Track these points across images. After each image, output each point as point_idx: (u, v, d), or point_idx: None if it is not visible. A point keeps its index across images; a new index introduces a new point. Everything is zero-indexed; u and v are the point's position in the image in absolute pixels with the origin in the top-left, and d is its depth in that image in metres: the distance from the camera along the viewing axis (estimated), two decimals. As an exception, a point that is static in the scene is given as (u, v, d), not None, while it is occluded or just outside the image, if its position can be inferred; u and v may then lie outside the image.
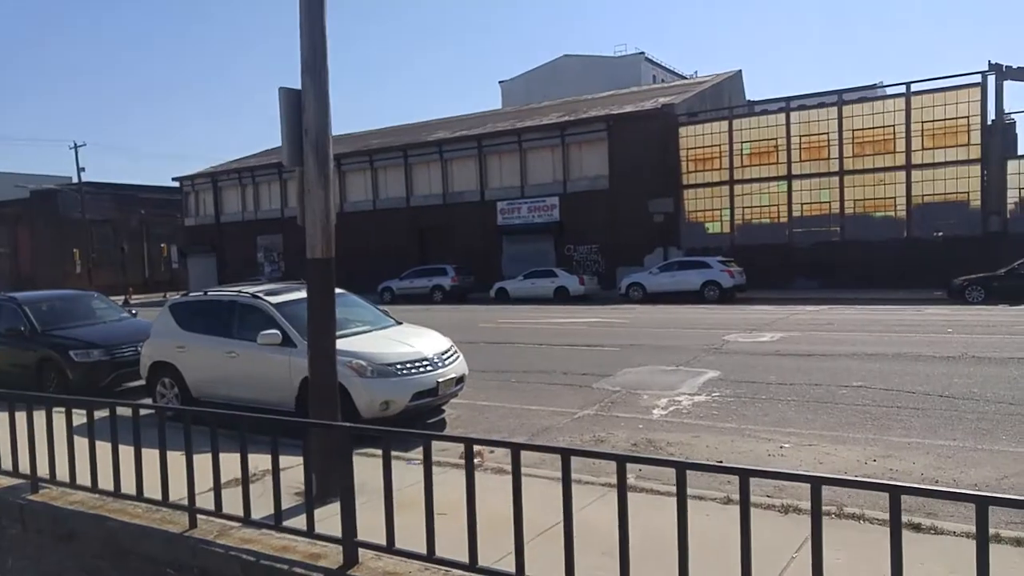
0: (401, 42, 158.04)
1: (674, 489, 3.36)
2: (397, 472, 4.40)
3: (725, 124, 32.07)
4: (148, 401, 9.52)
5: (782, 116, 30.94)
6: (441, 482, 5.20)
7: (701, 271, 26.49)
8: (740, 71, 42.97)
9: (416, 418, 8.61)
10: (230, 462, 4.90)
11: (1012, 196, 27.42)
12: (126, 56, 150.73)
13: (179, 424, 5.25)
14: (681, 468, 3.30)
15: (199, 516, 5.07)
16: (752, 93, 43.31)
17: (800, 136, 30.47)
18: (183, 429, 5.05)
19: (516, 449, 3.80)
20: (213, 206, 47.78)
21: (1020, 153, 28.50)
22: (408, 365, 8.29)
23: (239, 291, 9.49)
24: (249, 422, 4.96)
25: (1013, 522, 4.85)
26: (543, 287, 29.80)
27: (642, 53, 61.94)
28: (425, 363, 8.45)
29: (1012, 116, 29.16)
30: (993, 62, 27.27)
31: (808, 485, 2.97)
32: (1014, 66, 27.31)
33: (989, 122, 27.36)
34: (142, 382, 10.08)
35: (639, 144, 32.50)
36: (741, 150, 31.69)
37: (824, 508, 5.25)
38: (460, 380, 9.06)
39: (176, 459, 5.03)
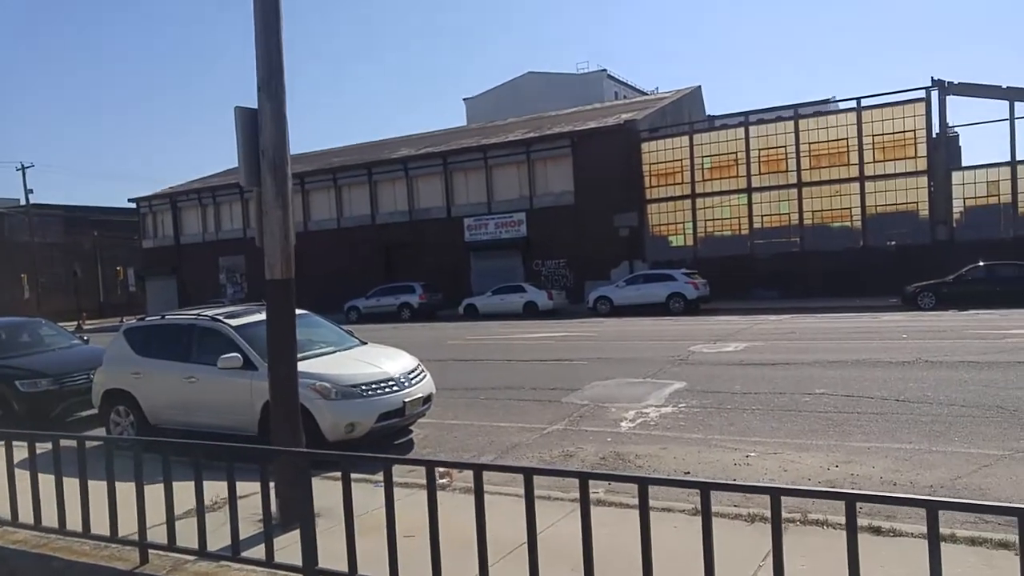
0: (365, 59, 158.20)
1: (642, 502, 3.36)
2: (363, 495, 4.34)
3: (686, 139, 32.62)
4: (101, 431, 9.26)
5: (741, 130, 31.59)
6: (410, 503, 5.14)
7: (666, 284, 26.81)
8: (699, 87, 43.85)
9: (383, 439, 8.50)
10: (187, 492, 4.76)
11: (957, 206, 28.36)
12: (80, 73, 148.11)
13: (132, 454, 5.09)
14: (643, 484, 3.30)
15: (151, 551, 4.90)
16: (712, 108, 44.24)
17: (759, 150, 31.13)
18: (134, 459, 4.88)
19: (478, 470, 3.76)
20: (172, 227, 46.94)
21: (964, 165, 29.50)
22: (373, 386, 8.19)
23: (198, 314, 9.29)
24: (204, 449, 4.83)
25: (968, 521, 4.95)
26: (512, 302, 29.82)
27: (604, 70, 62.79)
28: (391, 383, 8.36)
29: (955, 130, 30.19)
30: (936, 78, 28.26)
31: (768, 496, 3.00)
32: (956, 82, 28.31)
33: (934, 135, 28.30)
34: (95, 411, 9.78)
35: (603, 160, 32.86)
36: (702, 164, 32.25)
37: (788, 515, 5.36)
38: (427, 400, 8.98)
39: (128, 491, 4.87)
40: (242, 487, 4.66)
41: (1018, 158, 27.39)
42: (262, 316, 7.31)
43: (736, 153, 31.55)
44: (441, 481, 6.27)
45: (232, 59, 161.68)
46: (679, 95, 41.28)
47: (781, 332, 17.75)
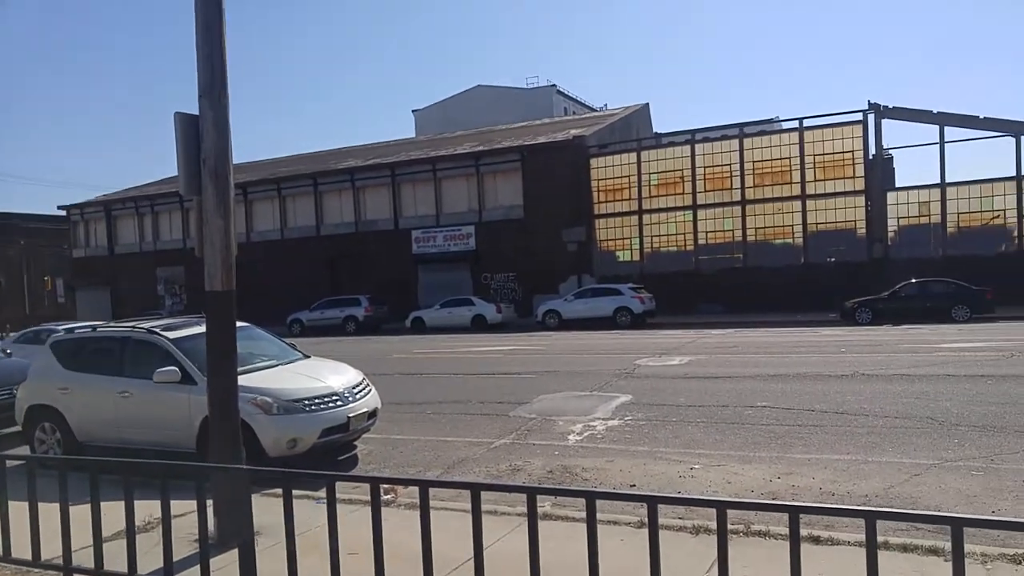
0: (312, 68, 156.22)
1: (589, 516, 3.34)
2: (306, 512, 4.20)
3: (634, 156, 33.20)
4: (25, 449, 8.80)
5: (687, 148, 32.32)
6: (354, 520, 5.01)
7: (613, 298, 27.13)
8: (647, 104, 44.73)
9: (326, 455, 8.30)
10: (117, 512, 4.53)
11: (892, 225, 29.61)
12: (10, 73, 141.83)
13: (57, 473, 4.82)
14: (590, 498, 3.29)
15: (76, 575, 4.65)
16: (659, 126, 45.20)
17: (704, 167, 31.91)
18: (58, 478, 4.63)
19: (424, 486, 3.69)
20: (106, 236, 45.28)
21: (898, 186, 30.83)
22: (316, 400, 8.01)
23: (133, 326, 8.95)
24: (135, 467, 4.61)
25: (900, 529, 5.10)
26: (460, 316, 29.70)
27: (554, 85, 63.54)
28: (334, 398, 8.19)
29: (890, 152, 31.58)
30: (872, 101, 29.52)
31: (714, 510, 3.02)
32: (891, 106, 29.63)
33: (870, 157, 29.51)
34: (18, 428, 9.29)
35: (552, 174, 33.15)
36: (649, 181, 32.86)
37: (733, 527, 5.43)
38: (372, 414, 8.82)
39: (53, 512, 4.60)
40: (177, 506, 4.46)
41: (947, 180, 28.77)
42: (201, 329, 7.09)
43: (682, 170, 32.25)
44: (386, 497, 6.15)
45: (167, 63, 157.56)
46: (628, 112, 42.06)
47: (725, 346, 18.12)
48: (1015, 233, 28.06)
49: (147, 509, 4.60)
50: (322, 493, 6.09)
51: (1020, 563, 4.46)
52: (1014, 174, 27.93)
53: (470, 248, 34.79)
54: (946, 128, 28.67)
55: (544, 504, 5.99)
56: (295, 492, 4.12)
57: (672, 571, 3.32)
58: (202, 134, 5.53)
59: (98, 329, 9.49)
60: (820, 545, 4.92)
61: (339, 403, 8.18)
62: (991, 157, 59.99)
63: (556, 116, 54.15)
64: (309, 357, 9.52)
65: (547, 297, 30.43)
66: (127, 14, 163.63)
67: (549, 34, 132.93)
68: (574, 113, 58.53)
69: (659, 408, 10.44)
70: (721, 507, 2.99)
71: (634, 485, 7.01)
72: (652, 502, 3.13)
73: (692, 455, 7.95)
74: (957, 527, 2.45)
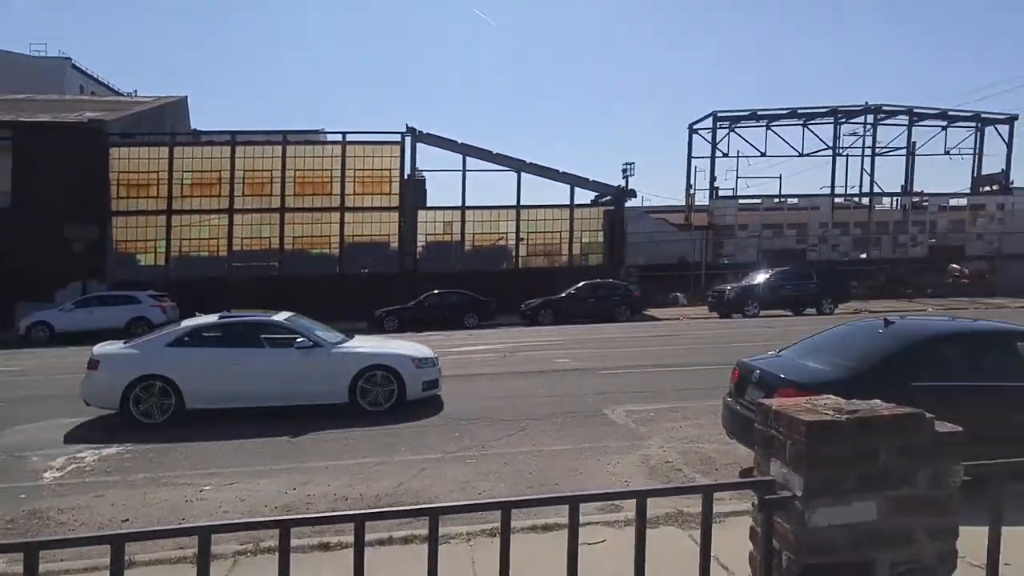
0: None
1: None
2: None
3: (166, 150, 30.10)
4: None
5: (227, 149, 30.58)
6: None
7: (128, 307, 23.75)
8: (186, 98, 41.01)
9: None
10: None
11: (420, 241, 32.81)
12: None
13: None
14: (32, 549, 2.36)
15: None
16: (198, 123, 41.80)
17: (244, 171, 30.59)
18: None
19: None
20: None
21: (428, 205, 34.33)
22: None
23: None
24: None
25: (405, 523, 5.13)
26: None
27: (68, 59, 53.81)
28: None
29: (423, 173, 35.01)
30: (409, 125, 32.36)
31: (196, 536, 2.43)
32: (424, 132, 32.84)
33: (406, 176, 32.25)
34: None
35: (57, 160, 27.70)
36: (182, 179, 30.11)
37: (242, 547, 4.86)
38: None
39: None
40: None
41: (467, 204, 33.05)
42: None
43: (220, 172, 30.37)
44: None
45: None
46: (161, 102, 37.86)
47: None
48: (513, 253, 33.73)
49: None
50: None
51: (495, 535, 4.89)
52: (515, 203, 33.58)
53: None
54: (468, 158, 33.03)
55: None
56: None
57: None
58: None
59: None
60: (330, 551, 4.84)
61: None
62: (500, 187, 71.67)
63: (69, 95, 45.81)
64: None
65: (39, 306, 25.04)
66: None
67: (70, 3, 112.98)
68: (93, 94, 50.40)
69: (170, 430, 9.20)
70: (204, 532, 2.42)
71: (127, 520, 5.90)
72: (116, 540, 2.40)
73: (204, 475, 7.10)
74: (434, 516, 2.46)
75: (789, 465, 2.55)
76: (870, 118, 40.53)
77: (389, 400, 9.79)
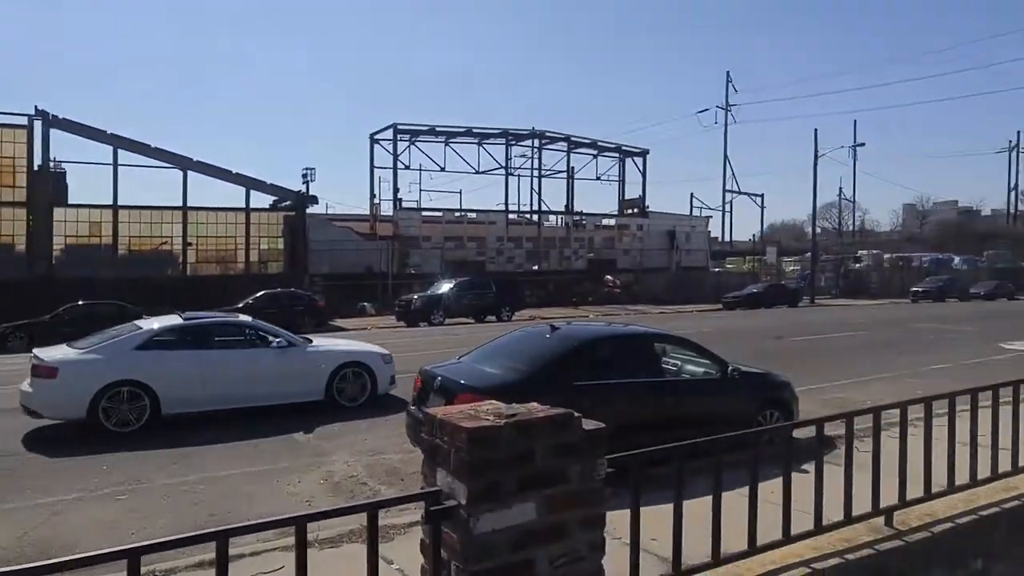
0: None
1: None
2: None
3: None
4: None
5: None
6: None
7: None
8: None
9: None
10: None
11: (59, 242, 27.91)
12: None
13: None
14: None
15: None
16: None
17: None
18: None
19: None
20: None
21: (69, 203, 29.34)
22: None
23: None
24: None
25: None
26: None
27: None
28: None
29: (63, 165, 29.85)
30: (40, 108, 27.25)
31: None
32: (61, 117, 27.94)
33: (36, 167, 27.12)
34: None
35: None
36: None
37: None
38: None
39: None
40: None
41: (120, 203, 28.94)
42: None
43: None
44: None
45: None
46: None
47: None
48: (180, 259, 30.44)
49: None
50: None
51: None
52: (181, 204, 30.33)
53: None
54: (121, 151, 28.92)
55: None
56: None
57: None
58: None
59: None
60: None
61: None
62: (168, 188, 64.17)
63: None
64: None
65: None
66: None
67: None
68: None
69: None
70: None
71: None
72: None
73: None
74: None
75: (453, 474, 2.53)
76: (536, 142, 45.20)
77: (363, 395, 10.22)
